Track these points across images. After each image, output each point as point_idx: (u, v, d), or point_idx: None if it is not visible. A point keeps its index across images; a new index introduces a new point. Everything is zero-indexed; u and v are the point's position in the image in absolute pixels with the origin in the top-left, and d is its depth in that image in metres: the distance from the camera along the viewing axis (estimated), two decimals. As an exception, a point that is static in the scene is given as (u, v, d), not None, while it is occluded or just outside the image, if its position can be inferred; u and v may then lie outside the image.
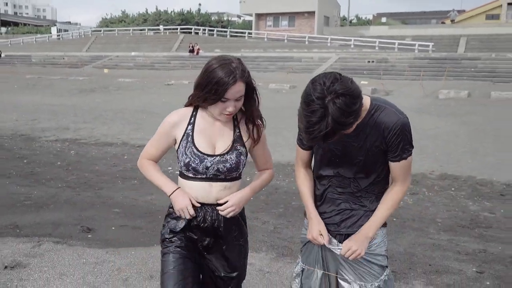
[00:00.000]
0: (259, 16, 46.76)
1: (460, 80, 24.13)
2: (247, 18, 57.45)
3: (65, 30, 65.00)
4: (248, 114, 2.24)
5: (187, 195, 2.16)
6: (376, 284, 2.19)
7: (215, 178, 2.18)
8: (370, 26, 49.66)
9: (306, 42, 38.79)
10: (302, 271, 2.31)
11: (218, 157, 2.17)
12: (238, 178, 2.27)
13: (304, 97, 1.84)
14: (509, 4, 49.06)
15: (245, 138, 2.24)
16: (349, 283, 2.20)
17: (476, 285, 3.86)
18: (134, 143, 10.42)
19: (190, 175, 2.19)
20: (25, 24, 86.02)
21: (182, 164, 2.19)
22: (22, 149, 9.68)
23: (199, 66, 2.21)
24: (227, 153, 2.18)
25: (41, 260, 4.08)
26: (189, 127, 2.20)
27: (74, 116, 14.48)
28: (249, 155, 2.32)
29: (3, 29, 72.53)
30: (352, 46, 36.16)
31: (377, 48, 34.87)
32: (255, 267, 4.10)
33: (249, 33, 44.76)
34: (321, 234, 2.18)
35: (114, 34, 51.35)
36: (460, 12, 57.77)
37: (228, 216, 2.18)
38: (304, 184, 2.29)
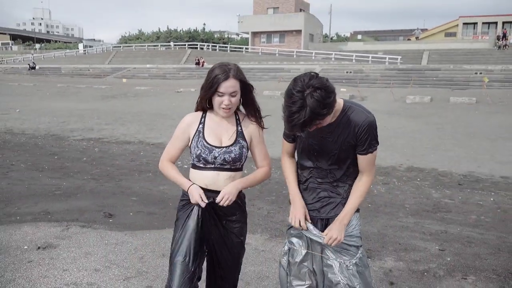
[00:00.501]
0: (255, 34, 46.67)
1: (424, 87, 24.16)
2: (245, 35, 57.27)
3: (90, 46, 64.61)
4: (248, 110, 2.32)
5: (200, 189, 2.18)
6: (354, 261, 2.18)
7: (221, 168, 2.22)
8: (348, 42, 49.56)
9: (294, 56, 38.73)
10: (289, 250, 2.29)
11: (224, 148, 2.22)
12: (240, 169, 2.30)
13: (287, 91, 1.88)
14: (464, 23, 49.23)
15: (246, 135, 2.29)
16: (331, 260, 2.18)
17: (439, 260, 3.84)
18: (149, 141, 10.37)
19: (201, 165, 2.22)
20: (56, 41, 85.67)
21: (194, 156, 2.23)
22: (53, 147, 9.61)
23: (204, 76, 2.22)
24: (231, 145, 2.23)
25: (69, 241, 4.03)
26: (200, 126, 2.26)
27: (98, 119, 14.39)
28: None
29: (37, 45, 72.11)
30: (333, 59, 36.12)
31: (354, 60, 34.82)
32: (251, 246, 4.07)
33: (246, 48, 44.68)
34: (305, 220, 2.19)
35: (132, 49, 51.07)
36: (423, 30, 57.84)
37: (225, 204, 2.17)
38: (289, 170, 2.32)
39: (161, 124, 13.11)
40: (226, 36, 67.88)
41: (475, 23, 48.79)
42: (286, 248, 2.31)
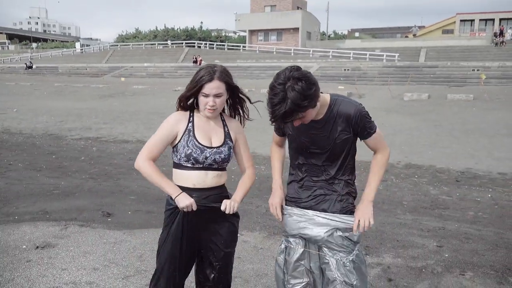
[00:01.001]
0: (252, 32, 46.61)
1: (421, 84, 24.17)
2: (242, 33, 57.17)
3: (87, 45, 64.27)
4: (234, 111, 2.34)
5: (190, 199, 2.14)
6: (350, 258, 2.18)
7: (210, 167, 2.21)
8: (346, 39, 49.58)
9: (292, 54, 38.72)
10: (286, 248, 2.29)
11: (215, 149, 2.21)
12: (225, 169, 2.31)
13: (270, 84, 1.91)
14: (461, 20, 49.27)
15: (232, 136, 2.29)
16: (327, 258, 2.18)
17: (437, 257, 3.86)
18: (147, 140, 10.36)
19: (189, 165, 2.19)
20: (53, 40, 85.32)
21: (182, 155, 2.18)
22: (51, 146, 9.60)
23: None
24: (221, 145, 2.23)
25: (68, 240, 4.03)
26: (190, 124, 2.23)
27: (96, 118, 14.37)
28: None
29: (34, 45, 71.76)
30: (330, 56, 36.11)
31: (351, 58, 34.83)
32: (250, 244, 4.08)
33: (244, 46, 44.62)
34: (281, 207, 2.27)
35: (129, 48, 50.92)
36: (420, 27, 57.85)
37: (233, 211, 2.18)
38: (275, 159, 2.40)
39: (159, 122, 12.91)
40: (223, 34, 67.65)
41: (472, 20, 48.85)
42: (282, 246, 2.32)
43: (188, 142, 2.18)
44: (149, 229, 4.44)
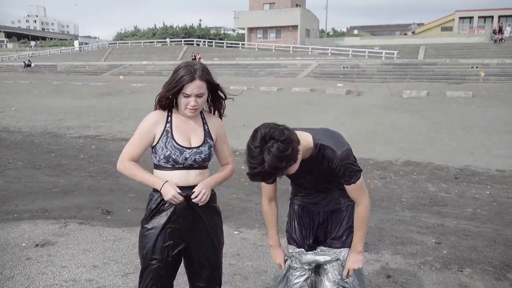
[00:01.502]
0: (251, 29, 46.55)
1: (420, 82, 24.18)
2: (241, 31, 57.10)
3: (86, 43, 64.17)
4: (215, 107, 2.29)
5: (174, 186, 2.11)
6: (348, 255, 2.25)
7: (191, 167, 2.16)
8: (344, 37, 49.54)
9: (291, 51, 38.67)
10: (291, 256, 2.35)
11: (195, 149, 2.15)
12: (207, 167, 2.26)
13: (247, 144, 1.86)
14: (460, 18, 49.29)
15: (212, 134, 2.24)
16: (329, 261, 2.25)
17: (435, 253, 3.87)
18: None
19: (169, 166, 2.14)
20: (51, 38, 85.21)
21: (161, 157, 2.13)
22: (50, 144, 9.59)
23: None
24: (201, 145, 2.17)
25: (67, 238, 4.04)
26: (168, 125, 2.17)
27: (94, 116, 14.36)
28: None
29: (33, 43, 71.64)
30: (329, 54, 36.10)
31: (350, 55, 34.82)
32: (249, 241, 4.09)
33: (242, 44, 44.59)
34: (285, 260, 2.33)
35: (128, 46, 50.86)
36: (419, 25, 57.89)
37: (202, 199, 2.13)
38: (269, 218, 2.40)
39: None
40: (222, 32, 67.58)
41: (471, 17, 48.87)
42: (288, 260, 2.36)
43: (167, 143, 2.13)
44: (149, 226, 4.44)
